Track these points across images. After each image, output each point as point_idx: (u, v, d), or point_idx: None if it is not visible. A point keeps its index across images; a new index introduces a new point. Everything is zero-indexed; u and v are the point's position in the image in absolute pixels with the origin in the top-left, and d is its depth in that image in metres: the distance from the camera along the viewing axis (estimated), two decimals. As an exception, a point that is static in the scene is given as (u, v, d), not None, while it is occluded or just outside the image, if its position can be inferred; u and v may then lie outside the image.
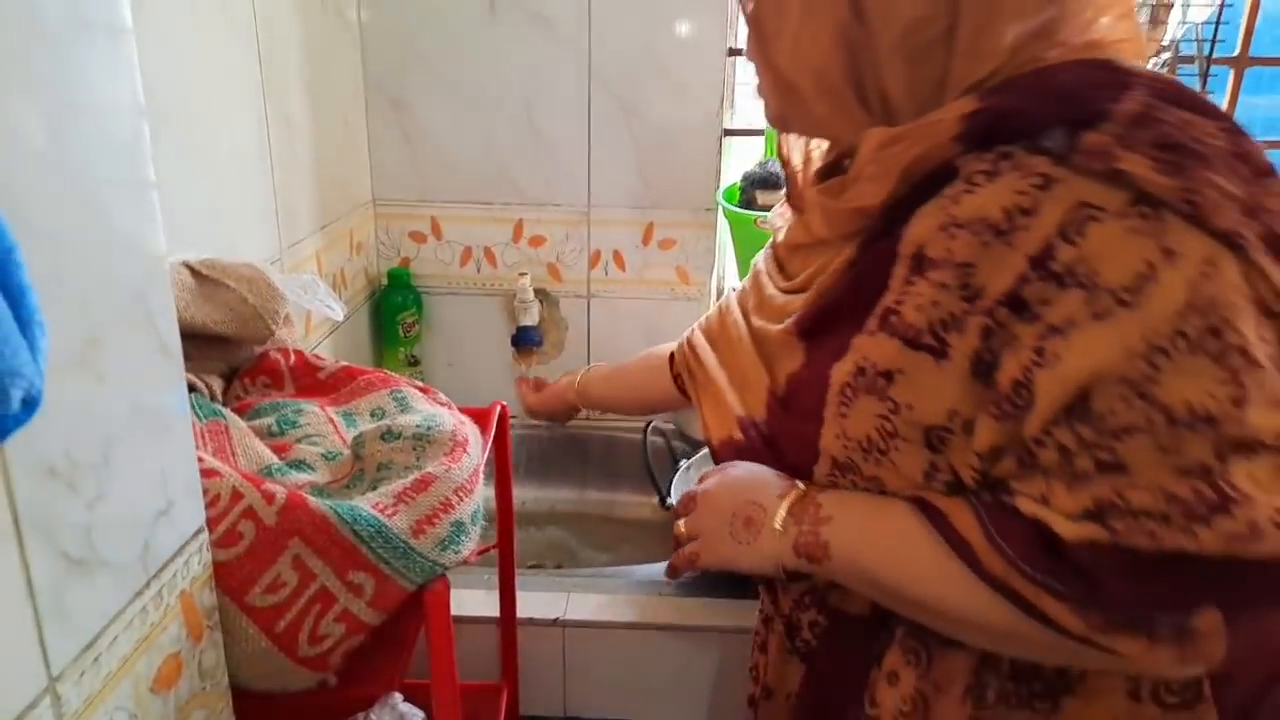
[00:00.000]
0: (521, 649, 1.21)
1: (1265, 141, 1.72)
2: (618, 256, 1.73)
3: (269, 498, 0.69)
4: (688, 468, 1.41)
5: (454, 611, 0.76)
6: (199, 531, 0.63)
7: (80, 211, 0.49)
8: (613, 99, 1.63)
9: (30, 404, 0.38)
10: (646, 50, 1.59)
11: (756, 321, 0.77)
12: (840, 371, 0.65)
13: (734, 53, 1.62)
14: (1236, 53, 1.61)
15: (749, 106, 1.74)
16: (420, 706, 0.86)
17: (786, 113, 0.71)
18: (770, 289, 0.78)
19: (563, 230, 1.72)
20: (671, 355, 0.99)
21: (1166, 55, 1.44)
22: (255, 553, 0.67)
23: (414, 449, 0.81)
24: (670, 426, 1.66)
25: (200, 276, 0.88)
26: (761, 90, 0.72)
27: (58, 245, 0.47)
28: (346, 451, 0.83)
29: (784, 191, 0.82)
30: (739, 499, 0.73)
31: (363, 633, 0.71)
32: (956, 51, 0.60)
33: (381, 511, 0.72)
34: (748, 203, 1.56)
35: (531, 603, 1.22)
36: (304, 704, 0.72)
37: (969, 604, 0.60)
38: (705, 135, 1.64)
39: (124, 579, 0.54)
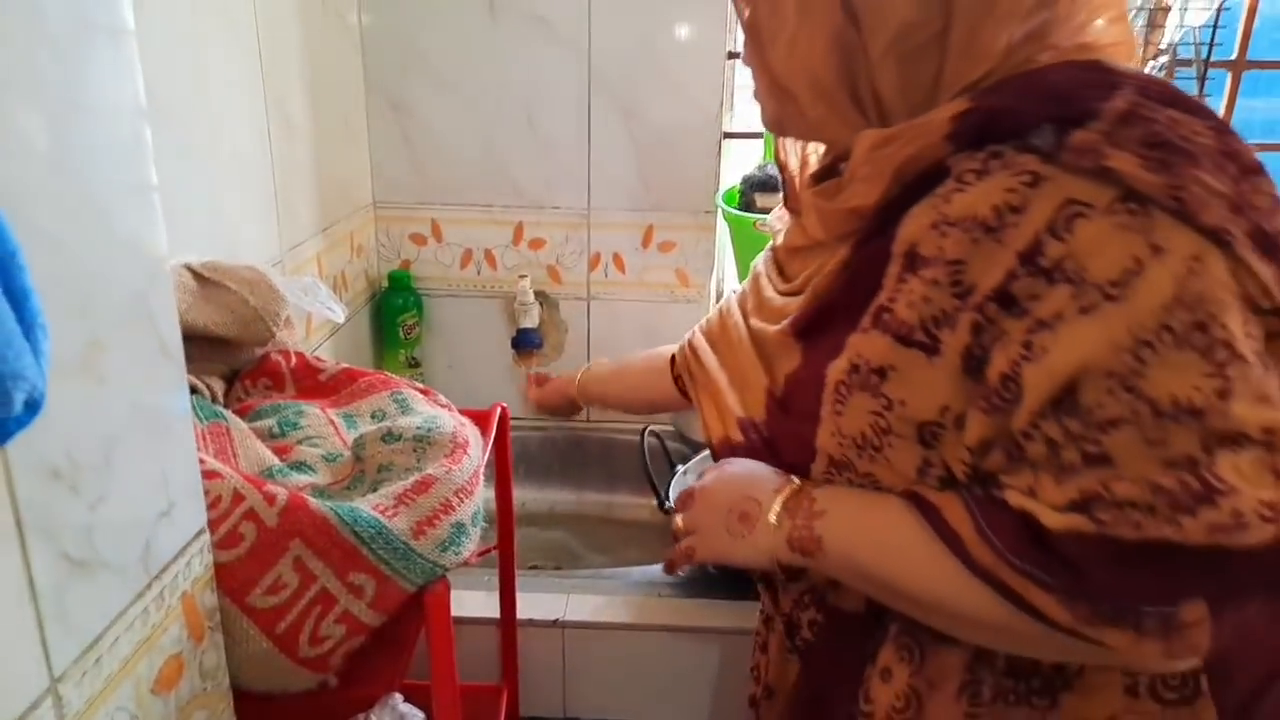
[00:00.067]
0: (521, 650, 1.21)
1: (1263, 145, 1.73)
2: (617, 259, 1.74)
3: (270, 499, 0.69)
4: (685, 471, 1.41)
5: (454, 613, 0.76)
6: (200, 533, 0.63)
7: (82, 214, 0.49)
8: (612, 102, 1.63)
9: (33, 406, 0.38)
10: (646, 53, 1.60)
11: (755, 323, 0.78)
12: (835, 370, 0.66)
13: (733, 56, 1.63)
14: (1234, 56, 1.61)
15: (748, 109, 1.74)
16: (420, 707, 0.86)
17: (783, 117, 0.71)
18: (769, 291, 0.78)
19: (562, 233, 1.72)
20: (673, 357, 1.00)
21: (1164, 58, 1.44)
22: (256, 554, 0.67)
23: (414, 451, 0.81)
24: (669, 428, 1.66)
25: (201, 278, 0.88)
26: (758, 95, 0.72)
27: (60, 248, 0.47)
28: (347, 453, 0.84)
29: (782, 195, 0.83)
30: (735, 494, 0.73)
31: (363, 634, 0.71)
32: (949, 54, 0.61)
33: (382, 513, 0.72)
34: (747, 205, 1.56)
35: (531, 604, 1.23)
36: (304, 705, 0.72)
37: (960, 597, 0.61)
38: (704, 138, 1.65)
39: (125, 580, 0.54)
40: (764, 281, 0.80)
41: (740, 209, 1.56)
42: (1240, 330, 0.54)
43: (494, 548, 1.11)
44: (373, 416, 0.90)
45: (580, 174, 1.68)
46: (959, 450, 0.62)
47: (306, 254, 1.41)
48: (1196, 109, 0.58)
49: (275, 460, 0.80)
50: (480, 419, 0.97)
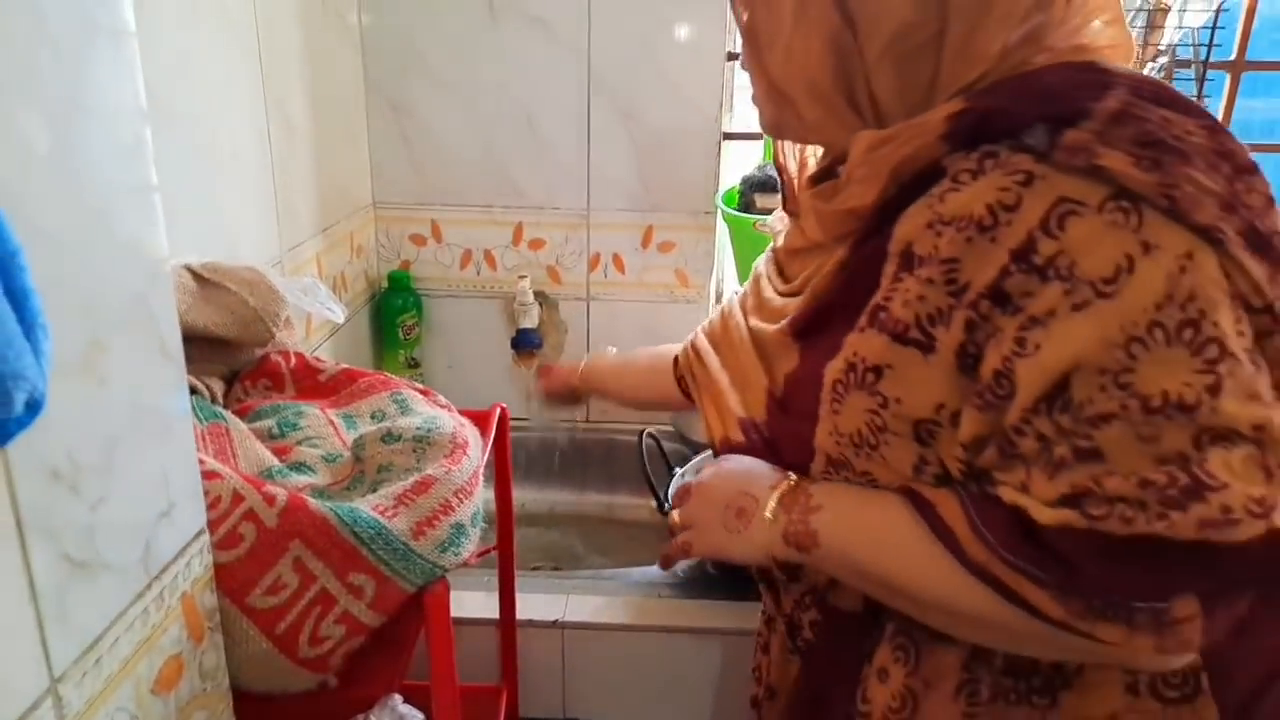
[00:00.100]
0: (521, 651, 1.21)
1: (1263, 145, 1.73)
2: (617, 259, 1.74)
3: (270, 500, 0.69)
4: (682, 474, 1.41)
5: (453, 613, 0.76)
6: (200, 533, 0.64)
7: (83, 215, 0.49)
8: (612, 102, 1.63)
9: (33, 406, 0.38)
10: (646, 54, 1.60)
11: (755, 322, 0.78)
12: (832, 369, 0.66)
13: (733, 57, 1.63)
14: (1233, 57, 1.61)
15: (748, 110, 1.73)
16: (420, 708, 0.86)
17: (781, 120, 0.72)
18: (769, 292, 0.79)
19: (562, 233, 1.72)
20: (676, 358, 1.00)
21: (1163, 59, 1.44)
22: (256, 554, 0.67)
23: (414, 451, 0.81)
24: (668, 429, 1.66)
25: (201, 279, 0.88)
26: (756, 99, 0.73)
27: (61, 248, 0.47)
28: (347, 454, 0.84)
29: (781, 197, 0.83)
30: (732, 489, 0.74)
31: (363, 634, 0.71)
32: (945, 56, 0.62)
33: (382, 513, 0.72)
34: (746, 206, 1.56)
35: (531, 605, 1.23)
36: (304, 706, 0.72)
37: (955, 592, 0.61)
38: (704, 139, 1.65)
39: (125, 580, 0.54)
40: (764, 283, 0.80)
41: (740, 210, 1.56)
42: (1231, 328, 0.54)
43: (493, 548, 1.11)
44: (372, 417, 0.90)
45: (580, 174, 1.68)
46: (954, 448, 0.62)
47: (306, 254, 1.41)
48: (1189, 108, 0.58)
49: (275, 461, 0.80)
50: (480, 419, 0.98)
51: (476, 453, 0.85)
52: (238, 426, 0.81)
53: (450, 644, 0.76)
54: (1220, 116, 1.63)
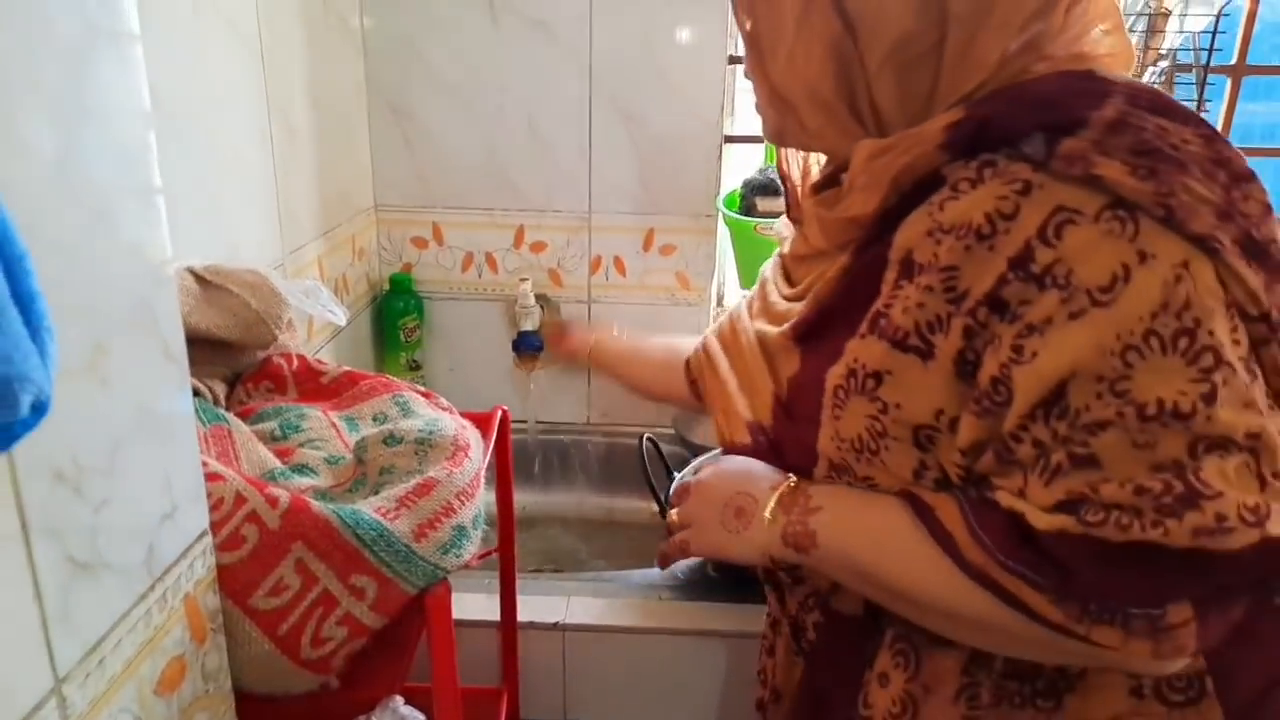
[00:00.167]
0: (522, 653, 1.21)
1: (1263, 150, 1.73)
2: (618, 262, 1.74)
3: (272, 501, 0.69)
4: (681, 478, 1.41)
5: (454, 615, 0.76)
6: (203, 535, 0.64)
7: (88, 218, 0.50)
8: (613, 106, 1.63)
9: (39, 409, 0.38)
10: (647, 57, 1.60)
11: (760, 325, 0.79)
12: (833, 375, 0.67)
13: (734, 60, 1.63)
14: (1233, 61, 1.62)
15: (749, 114, 1.74)
16: (421, 710, 0.86)
17: (783, 127, 0.72)
18: (774, 296, 0.79)
19: (564, 236, 1.72)
20: (688, 361, 1.00)
21: (1164, 64, 1.44)
22: (258, 556, 0.68)
23: (416, 453, 0.81)
24: (669, 431, 1.67)
25: (204, 282, 0.89)
26: (759, 106, 0.73)
27: (66, 251, 0.48)
28: (349, 456, 0.84)
29: (785, 205, 0.84)
30: (731, 489, 0.74)
31: (364, 636, 0.71)
32: (945, 65, 0.62)
33: (384, 515, 0.72)
34: (748, 209, 1.56)
35: (532, 607, 1.23)
36: (306, 707, 0.72)
37: (954, 595, 0.62)
38: (705, 142, 1.65)
39: (129, 582, 0.54)
40: (771, 287, 0.81)
41: (741, 213, 1.56)
42: (1227, 337, 0.55)
43: (494, 551, 1.11)
44: (374, 419, 0.90)
45: (581, 177, 1.68)
46: (953, 453, 0.62)
47: (308, 257, 1.41)
48: (1186, 117, 0.59)
49: (277, 463, 0.80)
50: (481, 422, 0.98)
51: (478, 455, 0.85)
52: (240, 428, 0.81)
53: (452, 646, 0.76)
54: (1221, 121, 1.63)
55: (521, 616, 1.20)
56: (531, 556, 1.67)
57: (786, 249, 0.81)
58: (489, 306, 1.78)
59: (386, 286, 1.75)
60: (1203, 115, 0.61)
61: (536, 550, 1.70)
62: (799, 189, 0.81)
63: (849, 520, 0.67)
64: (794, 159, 0.81)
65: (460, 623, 0.78)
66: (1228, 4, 1.39)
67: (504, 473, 1.08)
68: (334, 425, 0.88)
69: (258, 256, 1.23)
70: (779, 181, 0.85)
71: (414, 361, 1.76)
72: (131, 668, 0.54)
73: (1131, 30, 1.37)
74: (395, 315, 1.71)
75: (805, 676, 0.80)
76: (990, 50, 0.61)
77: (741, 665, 1.22)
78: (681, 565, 1.31)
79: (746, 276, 1.59)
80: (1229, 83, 1.63)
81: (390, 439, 0.82)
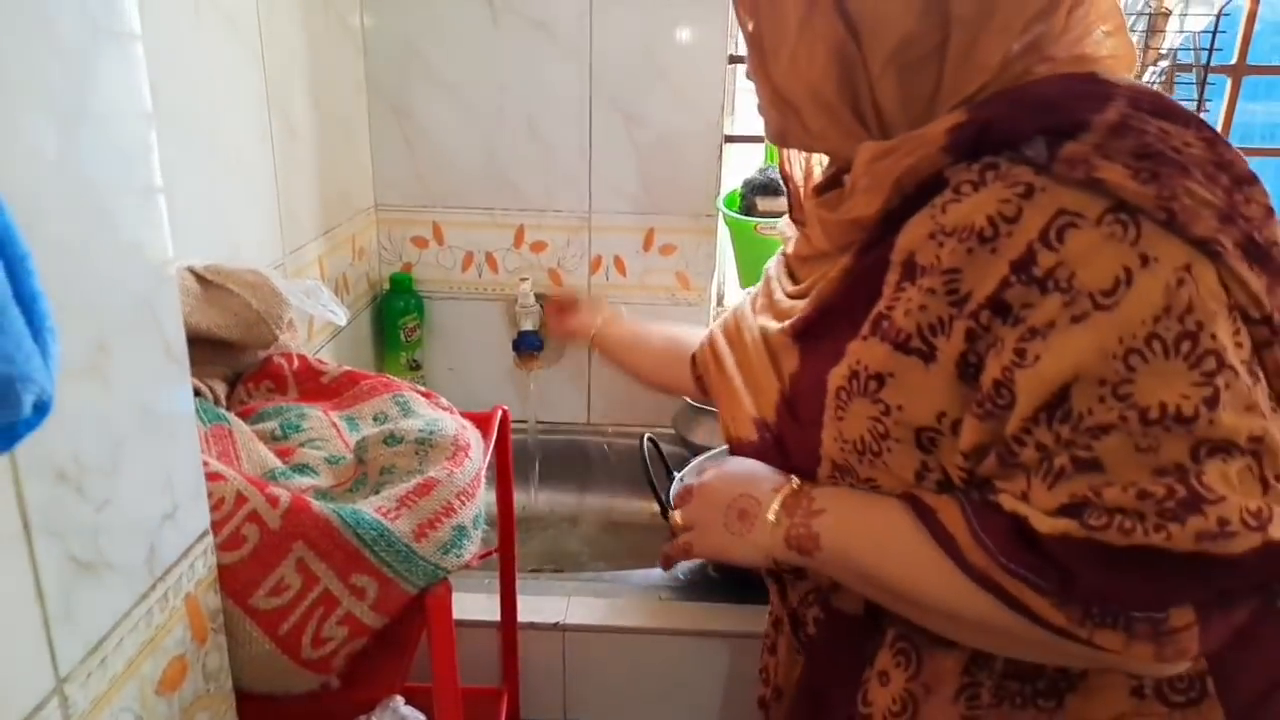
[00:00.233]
0: (522, 653, 1.21)
1: (1263, 149, 1.73)
2: (618, 262, 1.74)
3: (273, 501, 0.69)
4: (681, 478, 1.42)
5: (455, 615, 0.76)
6: (204, 534, 0.64)
7: (89, 217, 0.50)
8: (614, 105, 1.63)
9: (41, 408, 0.38)
10: (647, 57, 1.60)
11: (765, 321, 0.79)
12: (836, 376, 0.67)
13: (734, 60, 1.63)
14: (1234, 61, 1.62)
15: (749, 113, 1.74)
16: (422, 710, 0.86)
17: (785, 128, 0.72)
18: (779, 294, 0.80)
19: (564, 236, 1.72)
20: (694, 356, 1.00)
21: (1164, 64, 1.45)
22: (259, 556, 0.68)
23: (416, 453, 0.81)
24: (670, 432, 1.67)
25: (205, 282, 0.89)
26: (761, 107, 0.73)
27: (67, 251, 0.48)
28: (349, 456, 0.84)
29: (785, 199, 0.84)
30: (735, 491, 0.74)
31: (365, 636, 0.71)
32: (948, 66, 0.62)
33: (384, 515, 0.72)
34: (748, 209, 1.56)
35: (532, 607, 1.23)
36: (306, 707, 0.72)
37: (956, 598, 0.62)
38: (706, 142, 1.65)
39: (130, 581, 0.54)
40: (775, 284, 0.81)
41: (741, 213, 1.57)
42: (1229, 340, 0.55)
43: (495, 551, 1.11)
44: (374, 419, 0.90)
45: (581, 177, 1.68)
46: (955, 455, 0.62)
47: (308, 257, 1.41)
48: (1188, 120, 0.59)
49: (278, 462, 0.80)
50: (481, 422, 0.98)
51: (478, 455, 0.85)
52: (241, 428, 0.81)
53: (452, 645, 0.76)
54: (1221, 120, 1.63)
55: (522, 617, 1.20)
56: (531, 557, 1.67)
57: (790, 249, 0.81)
58: (489, 306, 1.78)
59: (387, 286, 1.75)
60: (1203, 115, 0.61)
61: (536, 551, 1.70)
62: (801, 190, 0.81)
63: (851, 522, 0.68)
64: (796, 159, 0.81)
65: (460, 623, 0.78)
66: (1228, 4, 1.39)
67: (504, 473, 1.08)
68: (334, 425, 0.88)
69: (258, 256, 1.23)
70: (780, 182, 0.85)
71: (414, 361, 1.76)
72: (133, 667, 0.55)
73: (1131, 30, 1.37)
74: (395, 315, 1.71)
75: (805, 673, 0.80)
76: (993, 52, 0.61)
77: (742, 666, 1.22)
78: (683, 565, 1.31)
79: (746, 276, 1.59)
80: (1229, 82, 1.63)
81: (391, 439, 0.82)
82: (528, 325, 1.74)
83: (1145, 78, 1.44)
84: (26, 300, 0.37)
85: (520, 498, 1.70)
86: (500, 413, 1.02)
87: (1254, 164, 0.60)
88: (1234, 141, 0.60)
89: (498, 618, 1.18)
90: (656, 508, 1.48)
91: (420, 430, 0.83)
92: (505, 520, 1.12)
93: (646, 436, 1.51)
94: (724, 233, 1.70)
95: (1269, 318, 0.57)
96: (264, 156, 1.24)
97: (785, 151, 0.81)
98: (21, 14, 0.44)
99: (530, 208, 1.71)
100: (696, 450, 1.52)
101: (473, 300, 1.78)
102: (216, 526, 0.66)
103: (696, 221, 1.70)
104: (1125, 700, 0.64)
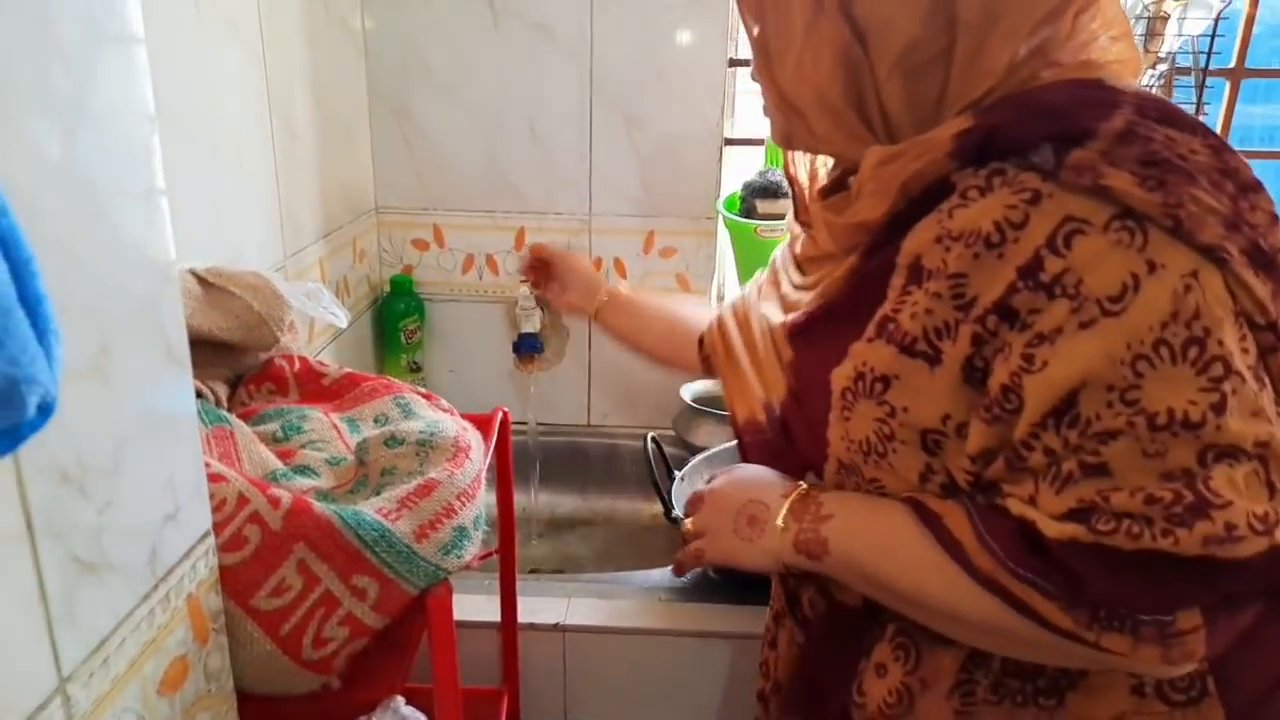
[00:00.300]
0: (522, 654, 1.22)
1: (1262, 152, 1.73)
2: (619, 264, 1.74)
3: (274, 502, 0.69)
4: (682, 478, 1.42)
5: (455, 616, 0.76)
6: (205, 535, 0.64)
7: (92, 220, 0.50)
8: (614, 108, 1.64)
9: (45, 410, 0.39)
10: (648, 60, 1.60)
11: (769, 310, 0.80)
12: (840, 377, 0.67)
13: (735, 63, 1.63)
14: (1232, 64, 1.62)
15: (749, 116, 1.75)
16: (422, 710, 0.87)
17: (791, 131, 0.72)
18: (786, 286, 0.80)
19: (564, 238, 1.73)
20: (701, 338, 1.01)
21: (1163, 67, 1.45)
22: (260, 557, 0.68)
23: (417, 455, 0.81)
24: (671, 433, 1.67)
25: (206, 284, 0.89)
26: (767, 110, 0.73)
27: (70, 254, 0.48)
28: (350, 457, 0.84)
29: (785, 201, 0.84)
30: (744, 497, 0.75)
31: (366, 636, 0.72)
32: (954, 71, 0.62)
33: (385, 516, 0.73)
34: (748, 211, 1.57)
35: (532, 608, 1.23)
36: (307, 707, 0.72)
37: (963, 602, 0.62)
38: (706, 144, 1.65)
39: (132, 582, 0.55)
40: (783, 276, 0.81)
41: (741, 215, 1.57)
42: (1236, 346, 0.55)
43: (495, 552, 1.11)
44: (375, 421, 0.91)
45: (582, 180, 1.69)
46: (960, 459, 0.63)
47: (309, 259, 1.41)
48: (1194, 127, 0.59)
49: (279, 464, 0.81)
50: (482, 423, 0.98)
51: (479, 456, 0.86)
52: (242, 430, 0.81)
53: (453, 646, 0.76)
54: (1220, 123, 1.64)
55: (522, 618, 1.20)
56: (531, 558, 1.67)
57: (798, 249, 0.82)
58: (489, 308, 1.78)
59: (387, 288, 1.75)
60: (1202, 119, 0.62)
61: (536, 551, 1.70)
62: (806, 192, 0.81)
63: (859, 527, 0.68)
64: (801, 162, 0.82)
65: (461, 624, 0.78)
66: (1226, 7, 1.39)
67: (504, 474, 1.08)
68: (335, 427, 0.88)
69: (259, 259, 1.23)
70: (784, 184, 0.85)
71: (415, 363, 1.76)
72: (135, 667, 0.55)
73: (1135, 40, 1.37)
74: (396, 317, 1.72)
75: (802, 656, 0.80)
76: (999, 57, 0.61)
77: (742, 666, 1.22)
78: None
79: (746, 278, 1.59)
80: (1228, 85, 1.63)
81: (391, 440, 0.82)
82: (528, 327, 1.73)
83: (1144, 81, 1.44)
84: (31, 303, 0.37)
85: (520, 499, 1.70)
86: (501, 414, 1.02)
87: (1253, 166, 0.60)
88: (1233, 144, 0.60)
89: (498, 619, 1.18)
90: (656, 509, 1.49)
91: (421, 432, 0.83)
92: (505, 521, 1.13)
93: (650, 436, 1.52)
94: (724, 235, 1.70)
95: (1274, 324, 0.57)
96: (265, 159, 1.24)
97: (790, 154, 0.81)
98: (24, 17, 0.44)
99: (531, 210, 1.71)
100: (697, 451, 1.53)
101: (473, 302, 1.78)
102: (218, 527, 0.66)
103: (697, 224, 1.70)
104: (1126, 699, 0.64)
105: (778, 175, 1.52)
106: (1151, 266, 0.54)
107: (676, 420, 1.69)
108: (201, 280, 0.89)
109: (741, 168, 1.74)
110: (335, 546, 0.69)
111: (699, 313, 1.03)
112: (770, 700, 0.86)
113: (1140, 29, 1.40)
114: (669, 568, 1.22)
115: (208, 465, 0.67)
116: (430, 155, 1.68)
